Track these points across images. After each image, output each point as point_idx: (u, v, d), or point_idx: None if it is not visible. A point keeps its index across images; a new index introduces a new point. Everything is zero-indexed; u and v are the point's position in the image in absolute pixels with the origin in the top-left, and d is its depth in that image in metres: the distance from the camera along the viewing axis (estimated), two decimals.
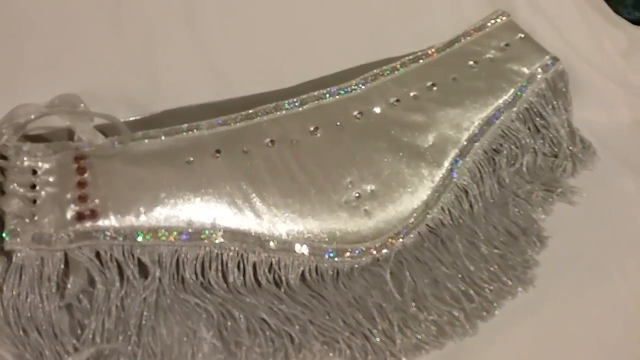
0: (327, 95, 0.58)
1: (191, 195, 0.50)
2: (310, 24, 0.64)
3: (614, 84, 0.70)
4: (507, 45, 0.64)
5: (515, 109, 0.62)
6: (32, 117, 0.47)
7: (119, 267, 0.47)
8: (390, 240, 0.54)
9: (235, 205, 0.51)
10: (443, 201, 0.56)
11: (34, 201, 0.47)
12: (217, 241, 0.49)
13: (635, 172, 0.64)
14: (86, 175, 0.48)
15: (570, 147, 0.63)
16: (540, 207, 0.59)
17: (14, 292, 0.44)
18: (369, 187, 0.55)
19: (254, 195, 0.51)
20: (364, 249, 0.53)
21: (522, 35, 0.65)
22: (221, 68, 0.59)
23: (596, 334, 0.52)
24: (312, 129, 0.56)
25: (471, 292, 0.52)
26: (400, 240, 0.54)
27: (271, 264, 0.50)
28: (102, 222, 0.47)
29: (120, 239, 0.47)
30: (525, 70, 0.63)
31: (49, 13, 0.55)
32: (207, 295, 0.48)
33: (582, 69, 0.68)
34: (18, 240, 0.45)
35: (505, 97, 0.62)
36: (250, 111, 0.55)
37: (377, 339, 0.48)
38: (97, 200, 0.47)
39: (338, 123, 0.57)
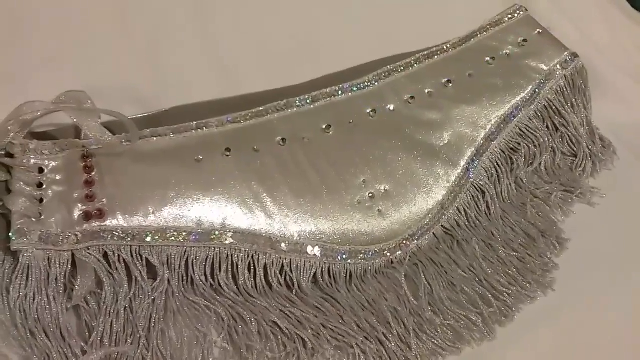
0: (340, 92, 0.57)
1: (200, 195, 0.49)
2: (322, 19, 0.63)
3: (633, 81, 0.68)
4: (524, 40, 0.63)
5: (533, 106, 0.60)
6: (39, 114, 0.47)
7: (127, 268, 0.46)
8: (404, 241, 0.52)
9: (246, 205, 0.49)
10: (459, 202, 0.55)
11: (41, 200, 0.46)
12: (227, 242, 0.48)
13: None
14: (93, 173, 0.48)
15: (590, 146, 0.61)
16: (559, 209, 0.57)
17: (21, 293, 0.43)
18: (383, 187, 0.54)
19: (264, 194, 0.50)
20: (377, 251, 0.51)
21: (540, 31, 0.63)
22: (230, 64, 0.59)
23: (617, 339, 0.51)
24: (324, 126, 0.55)
25: (489, 295, 0.50)
26: (415, 242, 0.53)
27: (282, 266, 0.49)
28: (109, 222, 0.46)
29: (129, 239, 0.46)
30: (544, 66, 0.61)
31: (55, 9, 0.54)
32: (217, 297, 0.47)
33: (601, 66, 0.67)
34: (25, 240, 0.44)
35: (523, 95, 0.60)
36: (261, 108, 0.54)
37: (392, 344, 0.47)
38: (104, 200, 0.47)
39: (351, 121, 0.56)
